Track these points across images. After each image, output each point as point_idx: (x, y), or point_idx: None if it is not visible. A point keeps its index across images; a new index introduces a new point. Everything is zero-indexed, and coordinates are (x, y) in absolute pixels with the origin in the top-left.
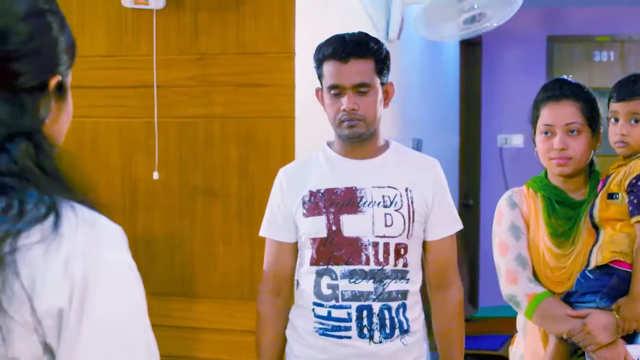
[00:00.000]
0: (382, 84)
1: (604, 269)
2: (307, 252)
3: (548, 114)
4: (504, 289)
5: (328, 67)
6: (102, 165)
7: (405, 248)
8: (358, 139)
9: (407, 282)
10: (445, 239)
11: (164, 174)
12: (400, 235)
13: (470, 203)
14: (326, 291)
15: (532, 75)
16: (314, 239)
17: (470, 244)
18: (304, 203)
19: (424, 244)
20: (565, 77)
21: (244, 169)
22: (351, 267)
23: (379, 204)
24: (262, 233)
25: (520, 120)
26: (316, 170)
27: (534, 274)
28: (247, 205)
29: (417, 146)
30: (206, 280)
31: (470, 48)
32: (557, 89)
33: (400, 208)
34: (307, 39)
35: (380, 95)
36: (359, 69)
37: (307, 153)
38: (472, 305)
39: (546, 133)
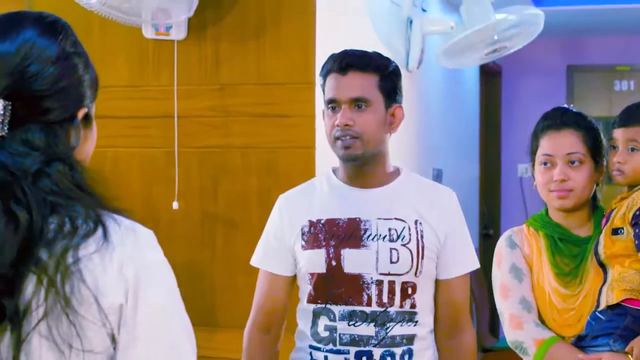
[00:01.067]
0: (388, 104)
1: (616, 309)
2: (305, 288)
3: (548, 143)
4: (509, 334)
5: (328, 81)
6: (123, 195)
7: (414, 287)
8: (355, 162)
9: (415, 325)
10: (458, 279)
11: (184, 203)
12: (407, 272)
13: (491, 233)
14: (323, 333)
15: (552, 105)
16: (312, 274)
17: (491, 273)
18: (303, 234)
19: (435, 282)
20: (567, 106)
21: (265, 199)
22: (351, 308)
23: (384, 237)
24: (253, 262)
25: None
26: (318, 199)
27: (540, 318)
28: None
29: (437, 176)
30: (227, 310)
31: (490, 78)
32: (557, 118)
33: (408, 243)
34: None
35: (382, 115)
36: (358, 82)
37: None
38: (492, 335)
39: (545, 164)
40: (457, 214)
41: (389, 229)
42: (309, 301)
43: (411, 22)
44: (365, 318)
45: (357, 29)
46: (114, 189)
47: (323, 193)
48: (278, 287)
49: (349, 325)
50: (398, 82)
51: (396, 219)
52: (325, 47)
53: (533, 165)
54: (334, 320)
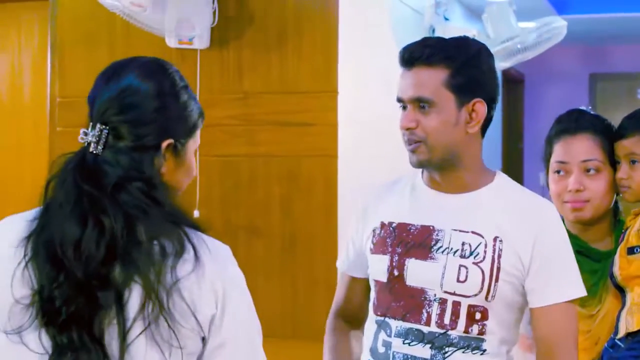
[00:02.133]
0: (463, 101)
1: (637, 336)
2: (372, 295)
3: (562, 149)
4: (517, 356)
5: (400, 75)
6: None
7: (484, 312)
8: (424, 167)
9: (481, 355)
10: (551, 308)
11: (205, 212)
12: (476, 295)
13: None
14: (380, 349)
15: None
16: (376, 282)
17: None
18: (373, 236)
19: (530, 312)
20: (583, 108)
21: (287, 207)
22: (407, 325)
23: (455, 252)
24: (337, 262)
25: None
26: (396, 199)
27: None
28: (290, 243)
29: None
30: None
31: (513, 86)
32: (572, 121)
33: (481, 261)
34: (350, 77)
35: (451, 115)
36: (420, 79)
37: (350, 192)
38: None
39: (559, 172)
40: (554, 233)
41: (463, 243)
42: (374, 311)
43: (434, 30)
44: (422, 338)
45: (379, 37)
46: None
47: (404, 193)
48: (354, 289)
49: (403, 343)
50: (479, 73)
51: (473, 232)
52: (348, 55)
53: (547, 173)
54: (390, 335)
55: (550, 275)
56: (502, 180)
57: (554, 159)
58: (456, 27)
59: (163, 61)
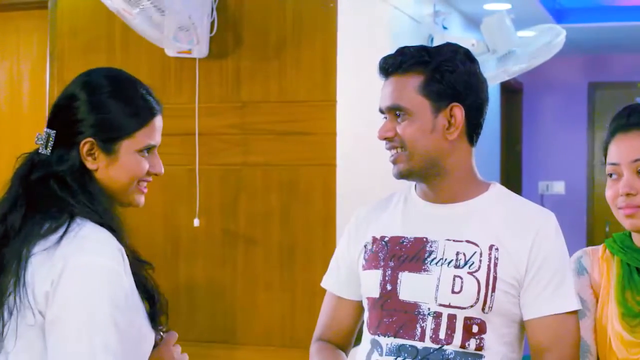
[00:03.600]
0: (439, 107)
1: None
2: (365, 314)
3: (614, 149)
4: None
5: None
6: (145, 212)
7: (481, 325)
8: (407, 178)
9: None
10: (546, 320)
11: (205, 221)
12: (472, 307)
13: None
14: None
15: (573, 122)
16: (368, 299)
17: None
18: (365, 252)
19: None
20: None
21: (286, 216)
22: (400, 342)
23: (449, 262)
24: (322, 282)
25: (561, 167)
26: (389, 213)
27: None
28: (289, 252)
29: None
30: (248, 328)
31: (511, 94)
32: (624, 118)
33: (476, 271)
34: (348, 87)
35: (427, 122)
36: (395, 88)
37: (349, 201)
38: None
39: (612, 175)
40: (552, 242)
41: (457, 253)
42: (368, 330)
43: (432, 39)
44: (415, 355)
45: (378, 46)
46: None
47: (396, 207)
48: (343, 311)
49: None
50: (455, 77)
51: (468, 241)
52: (346, 64)
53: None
54: (381, 354)
55: (542, 287)
56: (498, 190)
57: (608, 160)
58: (455, 36)
59: (105, 69)
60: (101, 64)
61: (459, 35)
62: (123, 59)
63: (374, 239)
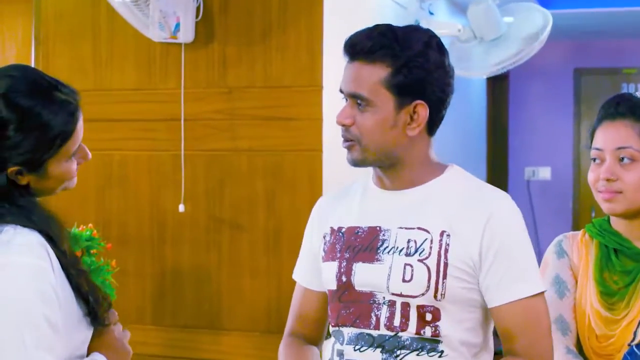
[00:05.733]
0: (403, 103)
1: None
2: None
3: (600, 136)
4: None
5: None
6: (130, 198)
7: (435, 313)
8: (358, 166)
9: (439, 357)
10: (512, 306)
11: (191, 206)
12: (424, 295)
13: None
14: (335, 359)
15: (559, 108)
16: (328, 291)
17: None
18: (324, 243)
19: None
20: (630, 93)
21: (271, 202)
22: (358, 331)
23: (401, 251)
24: (293, 274)
25: (547, 153)
26: (346, 203)
27: (578, 343)
28: (274, 238)
29: None
30: (233, 313)
31: (497, 81)
32: (612, 106)
33: (426, 258)
34: (334, 72)
35: (388, 117)
36: (359, 75)
37: (334, 187)
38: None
39: (595, 160)
40: (510, 224)
41: (408, 241)
42: (330, 322)
43: (418, 24)
44: (372, 342)
45: None
46: (121, 192)
47: (355, 196)
48: (311, 303)
49: (354, 350)
50: (423, 73)
51: (419, 228)
52: (332, 50)
53: None
54: (342, 343)
55: (503, 271)
56: (454, 172)
57: (592, 145)
58: (441, 21)
59: (9, 85)
60: (86, 51)
61: (445, 20)
62: (108, 45)
63: (332, 230)
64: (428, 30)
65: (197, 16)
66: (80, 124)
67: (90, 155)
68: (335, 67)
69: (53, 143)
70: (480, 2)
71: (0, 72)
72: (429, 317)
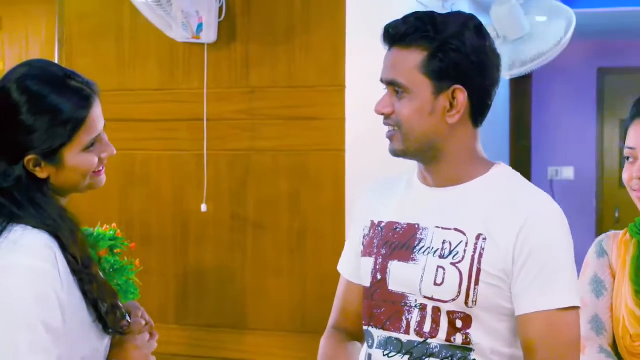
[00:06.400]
0: (441, 88)
1: None
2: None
3: (633, 134)
4: None
5: None
6: (153, 197)
7: (466, 320)
8: (399, 156)
9: None
10: (535, 316)
11: (214, 206)
12: (454, 300)
13: None
14: None
15: (582, 107)
16: (364, 287)
17: None
18: (364, 237)
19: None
20: None
21: (295, 201)
22: (387, 334)
23: (435, 252)
24: (338, 265)
25: (571, 152)
26: (389, 195)
27: (614, 343)
28: (298, 237)
29: None
30: (257, 313)
31: (520, 81)
32: None
33: (459, 262)
34: (357, 72)
35: (426, 103)
36: (395, 61)
37: (358, 186)
38: None
39: (628, 158)
40: (546, 230)
41: (443, 242)
42: (362, 320)
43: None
44: (400, 348)
45: None
46: (144, 191)
47: (398, 190)
48: (353, 296)
49: (383, 355)
50: (460, 57)
51: (456, 229)
52: (355, 49)
53: None
54: (371, 347)
55: (532, 279)
56: (500, 171)
57: (625, 144)
58: None
59: (24, 71)
60: (109, 50)
61: None
62: (131, 44)
63: (372, 224)
64: (469, 14)
65: (219, 16)
66: (96, 114)
67: (114, 150)
68: (358, 66)
69: (65, 128)
70: (504, 2)
71: (20, 63)
72: (459, 324)
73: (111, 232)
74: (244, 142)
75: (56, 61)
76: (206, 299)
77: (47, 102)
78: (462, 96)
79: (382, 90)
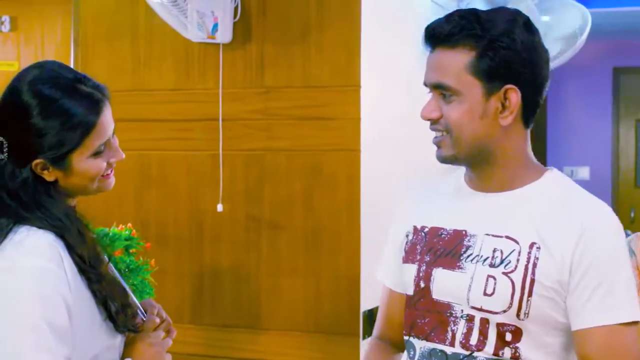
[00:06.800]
0: (492, 89)
1: None
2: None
3: None
4: None
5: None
6: (169, 198)
7: (516, 333)
8: (448, 163)
9: None
10: (594, 331)
11: (229, 206)
12: (505, 312)
13: None
14: None
15: (598, 107)
16: (406, 296)
17: None
18: (406, 242)
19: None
20: None
21: (309, 202)
22: (431, 346)
23: (485, 260)
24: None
25: (586, 152)
26: (433, 199)
27: None
28: (313, 238)
29: None
30: (272, 313)
31: None
32: None
33: (511, 271)
34: (372, 71)
35: (477, 105)
36: (441, 63)
37: (372, 187)
38: None
39: None
40: (605, 240)
41: (494, 250)
42: (404, 329)
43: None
44: None
45: (401, 30)
46: (160, 191)
47: (443, 193)
48: (395, 305)
49: None
50: (511, 54)
51: (507, 237)
52: (370, 49)
53: None
54: (413, 358)
55: (591, 292)
56: (553, 177)
57: None
58: None
59: (35, 75)
60: (125, 51)
61: None
62: (146, 45)
63: (415, 229)
64: (515, 9)
65: (234, 16)
66: (106, 119)
67: (123, 155)
68: (373, 66)
69: (75, 132)
70: (519, 2)
71: (32, 65)
72: (508, 337)
73: (127, 232)
74: (259, 142)
75: (71, 61)
76: (221, 298)
77: (58, 106)
78: (515, 96)
79: (396, 89)
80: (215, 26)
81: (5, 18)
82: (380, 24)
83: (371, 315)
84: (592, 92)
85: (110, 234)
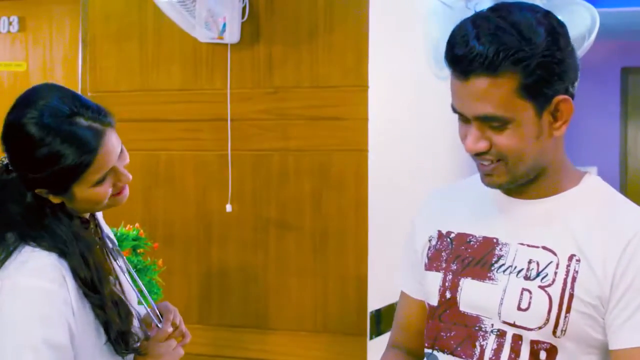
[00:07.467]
0: (544, 104)
1: None
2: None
3: None
4: None
5: (450, 80)
6: (177, 198)
7: (551, 351)
8: (501, 189)
9: None
10: (635, 352)
11: (237, 206)
12: (540, 328)
13: None
14: None
15: (606, 107)
16: (428, 305)
17: None
18: (429, 248)
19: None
20: None
21: (318, 202)
22: None
23: (519, 272)
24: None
25: (594, 153)
26: (458, 203)
27: None
28: (321, 238)
29: None
30: (280, 313)
31: None
32: None
33: (548, 285)
34: (380, 71)
35: (533, 126)
36: (482, 94)
37: (380, 187)
38: None
39: None
40: None
41: (529, 261)
42: (426, 340)
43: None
44: None
45: (409, 31)
46: (167, 191)
47: (471, 197)
48: (413, 312)
49: None
50: (557, 64)
51: (544, 248)
52: (378, 49)
53: None
54: None
55: (634, 309)
56: (592, 182)
57: None
58: None
59: (22, 121)
60: (133, 51)
61: None
62: (154, 46)
63: (440, 234)
64: (543, 9)
65: (243, 16)
66: (107, 149)
67: (130, 176)
68: (381, 66)
69: (70, 172)
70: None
71: (28, 98)
72: (543, 355)
73: (134, 232)
74: (267, 143)
75: (79, 62)
76: (229, 299)
77: (50, 149)
78: (567, 106)
79: (404, 89)
80: (224, 26)
81: (14, 18)
82: (389, 25)
83: (379, 315)
84: (600, 92)
85: (118, 234)
